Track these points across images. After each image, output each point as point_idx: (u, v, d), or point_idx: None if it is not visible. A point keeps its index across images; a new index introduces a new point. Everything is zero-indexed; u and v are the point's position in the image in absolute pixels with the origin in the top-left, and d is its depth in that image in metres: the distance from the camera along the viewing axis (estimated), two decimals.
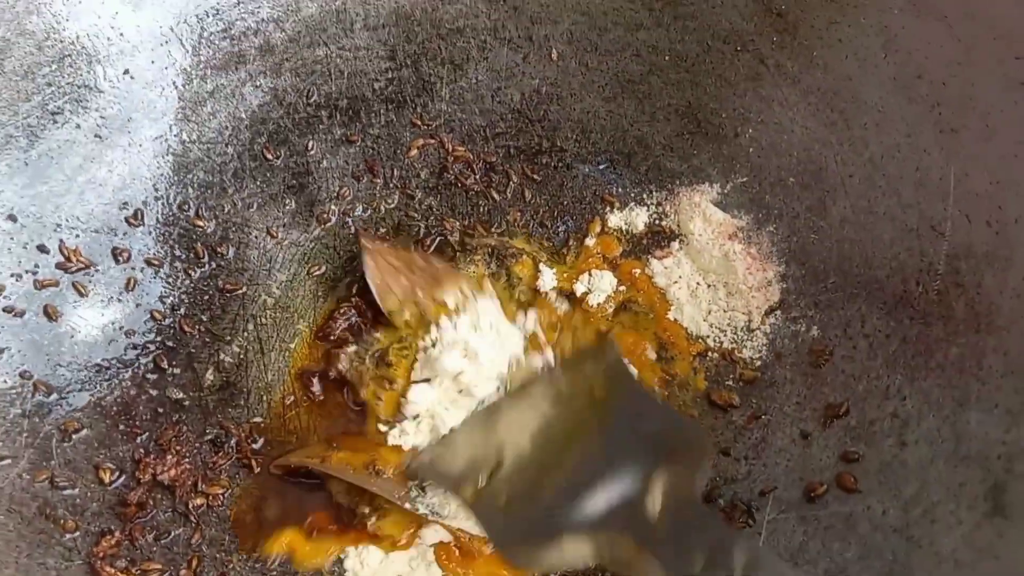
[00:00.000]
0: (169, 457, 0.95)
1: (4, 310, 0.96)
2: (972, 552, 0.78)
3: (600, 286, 1.10)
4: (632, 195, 1.17)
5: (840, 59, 1.06)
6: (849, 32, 1.05)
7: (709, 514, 0.82)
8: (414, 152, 1.18)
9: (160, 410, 0.99)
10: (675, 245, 1.13)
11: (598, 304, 1.09)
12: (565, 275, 1.12)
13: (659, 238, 1.14)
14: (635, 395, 0.92)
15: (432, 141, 1.19)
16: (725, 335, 1.06)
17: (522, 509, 0.82)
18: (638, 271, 1.13)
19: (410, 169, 1.18)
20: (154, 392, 1.00)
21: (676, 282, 1.10)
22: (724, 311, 1.07)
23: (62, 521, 0.89)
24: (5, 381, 0.94)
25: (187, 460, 0.96)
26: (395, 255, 1.09)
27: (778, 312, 1.05)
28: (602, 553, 0.79)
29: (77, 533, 0.89)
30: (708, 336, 1.07)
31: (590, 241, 1.14)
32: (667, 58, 1.17)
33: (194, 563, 0.90)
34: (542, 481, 0.83)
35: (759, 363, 1.03)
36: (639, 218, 1.15)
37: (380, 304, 1.04)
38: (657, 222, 1.15)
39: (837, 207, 1.04)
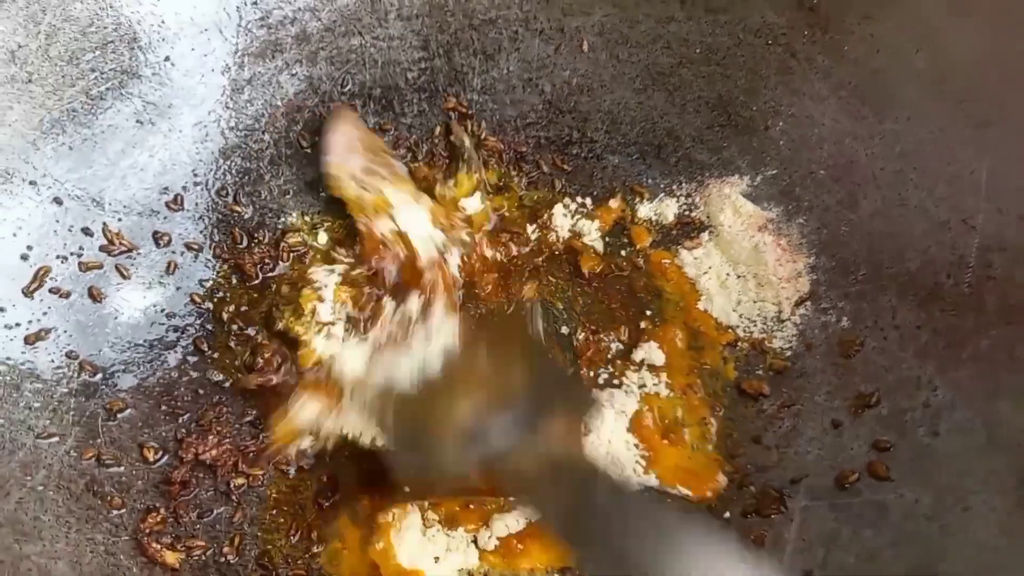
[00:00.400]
0: (211, 437, 0.97)
1: (51, 291, 0.97)
2: (1006, 539, 0.79)
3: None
4: (662, 186, 1.19)
5: (871, 54, 1.07)
6: (881, 27, 1.06)
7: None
8: (439, 130, 1.20)
9: (201, 391, 1.01)
10: (705, 236, 1.15)
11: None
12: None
13: (689, 229, 1.16)
14: (540, 359, 1.02)
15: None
16: (755, 325, 1.07)
17: (419, 435, 0.92)
18: (668, 261, 1.14)
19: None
20: (195, 374, 1.02)
21: (706, 272, 1.12)
22: (754, 302, 1.09)
23: (109, 498, 0.91)
24: (53, 360, 0.96)
25: (228, 440, 0.98)
26: (365, 134, 1.13)
27: (808, 303, 1.06)
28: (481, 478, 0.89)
29: (123, 510, 0.91)
30: (738, 326, 1.08)
31: (613, 203, 1.18)
32: (698, 51, 1.17)
33: (236, 541, 0.92)
34: (445, 416, 0.92)
35: (789, 353, 1.05)
36: (669, 209, 1.17)
37: (327, 165, 1.09)
38: (687, 213, 1.17)
39: (868, 200, 1.05)
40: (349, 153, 1.11)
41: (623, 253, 1.15)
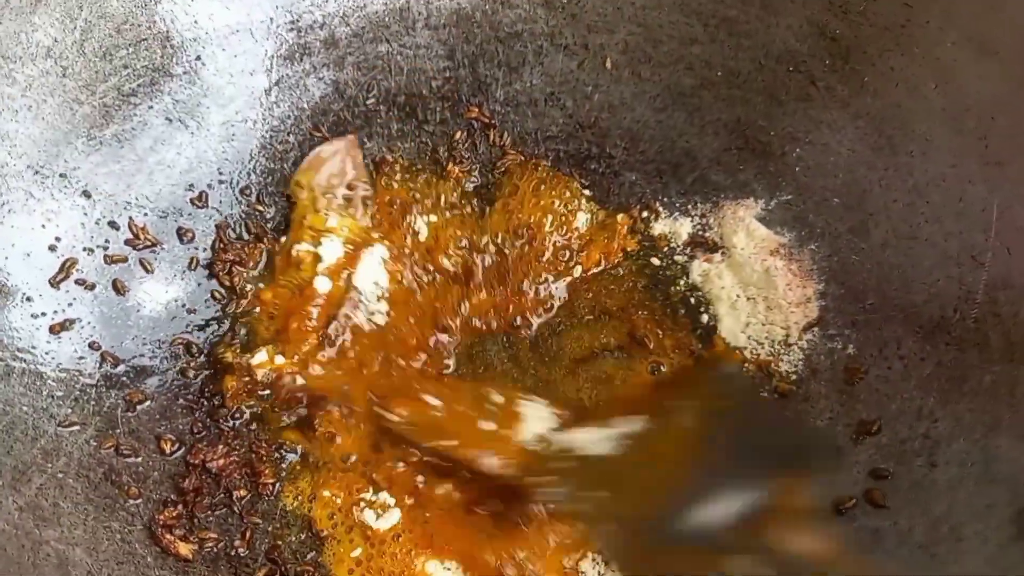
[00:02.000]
0: (220, 447, 0.99)
1: (76, 282, 1.00)
2: (998, 572, 0.81)
3: None
4: (677, 205, 1.20)
5: (890, 87, 1.08)
6: (901, 61, 1.07)
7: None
8: (459, 135, 1.22)
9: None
10: (717, 256, 1.16)
11: None
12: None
13: (702, 248, 1.17)
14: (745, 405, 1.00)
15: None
16: (762, 347, 1.09)
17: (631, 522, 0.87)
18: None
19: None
20: (211, 369, 1.04)
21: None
22: (763, 324, 1.10)
23: (126, 487, 0.93)
24: (76, 351, 0.98)
25: (236, 454, 0.99)
26: (359, 168, 1.16)
27: (816, 329, 1.08)
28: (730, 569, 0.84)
29: (140, 499, 0.94)
30: (745, 347, 1.10)
31: (621, 218, 1.20)
32: (719, 73, 1.19)
33: (247, 535, 0.95)
34: (645, 496, 0.88)
35: (795, 377, 1.06)
36: (683, 228, 1.18)
37: (304, 166, 1.13)
38: (700, 233, 1.18)
39: (879, 230, 1.07)
40: (327, 171, 1.14)
41: None
